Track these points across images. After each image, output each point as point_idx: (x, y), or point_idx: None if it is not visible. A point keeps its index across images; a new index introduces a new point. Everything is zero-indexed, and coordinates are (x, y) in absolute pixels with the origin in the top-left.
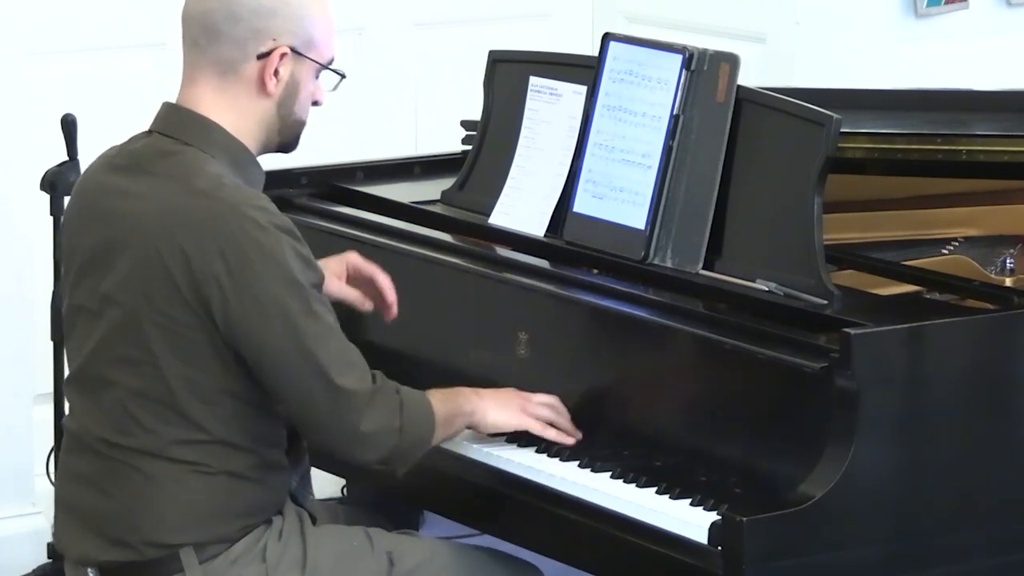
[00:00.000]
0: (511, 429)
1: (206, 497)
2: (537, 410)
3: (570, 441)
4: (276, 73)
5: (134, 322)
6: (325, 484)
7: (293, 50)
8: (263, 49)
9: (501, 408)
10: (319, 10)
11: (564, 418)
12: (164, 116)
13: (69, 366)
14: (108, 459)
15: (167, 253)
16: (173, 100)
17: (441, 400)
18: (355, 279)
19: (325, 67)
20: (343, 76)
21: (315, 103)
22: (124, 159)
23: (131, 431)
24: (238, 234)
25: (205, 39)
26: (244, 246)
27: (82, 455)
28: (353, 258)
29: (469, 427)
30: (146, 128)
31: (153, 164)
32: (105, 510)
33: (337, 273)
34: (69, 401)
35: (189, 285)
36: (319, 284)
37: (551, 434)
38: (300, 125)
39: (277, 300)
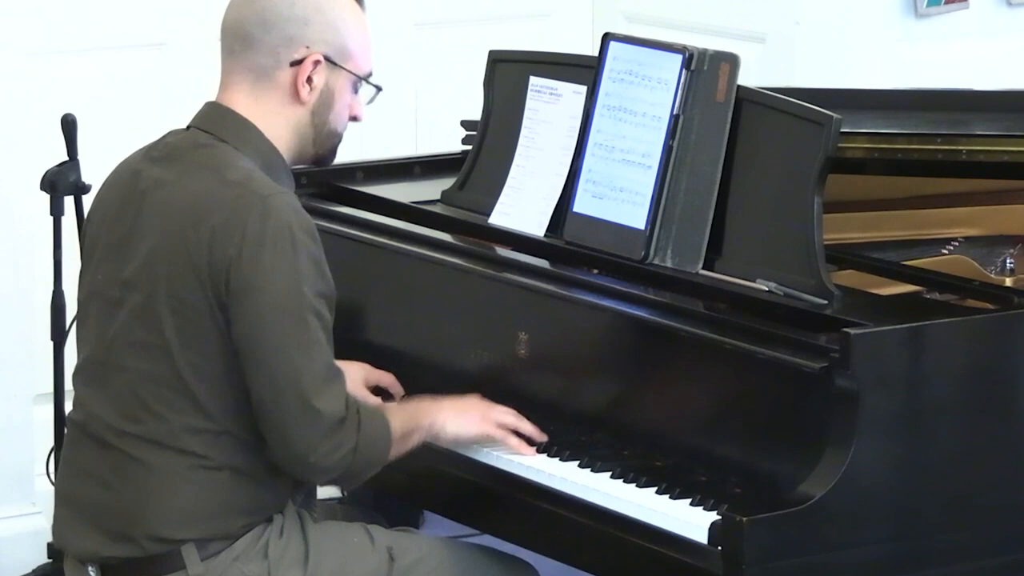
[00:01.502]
0: (471, 438)
1: (210, 493)
2: (499, 417)
3: (531, 451)
4: (310, 81)
5: (151, 306)
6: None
7: (327, 59)
8: (296, 56)
9: (460, 418)
10: (354, 22)
11: (526, 424)
12: (204, 113)
13: (78, 355)
14: (113, 449)
15: (193, 238)
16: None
17: (399, 416)
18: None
19: (362, 79)
20: (379, 89)
21: (353, 118)
22: (160, 151)
23: (140, 417)
24: (258, 225)
25: (240, 46)
26: (260, 238)
27: (86, 448)
28: (368, 373)
29: (430, 439)
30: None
31: (186, 154)
32: (108, 504)
33: (358, 381)
34: (76, 391)
35: (208, 269)
36: (326, 294)
37: (512, 442)
38: (336, 136)
39: (275, 297)
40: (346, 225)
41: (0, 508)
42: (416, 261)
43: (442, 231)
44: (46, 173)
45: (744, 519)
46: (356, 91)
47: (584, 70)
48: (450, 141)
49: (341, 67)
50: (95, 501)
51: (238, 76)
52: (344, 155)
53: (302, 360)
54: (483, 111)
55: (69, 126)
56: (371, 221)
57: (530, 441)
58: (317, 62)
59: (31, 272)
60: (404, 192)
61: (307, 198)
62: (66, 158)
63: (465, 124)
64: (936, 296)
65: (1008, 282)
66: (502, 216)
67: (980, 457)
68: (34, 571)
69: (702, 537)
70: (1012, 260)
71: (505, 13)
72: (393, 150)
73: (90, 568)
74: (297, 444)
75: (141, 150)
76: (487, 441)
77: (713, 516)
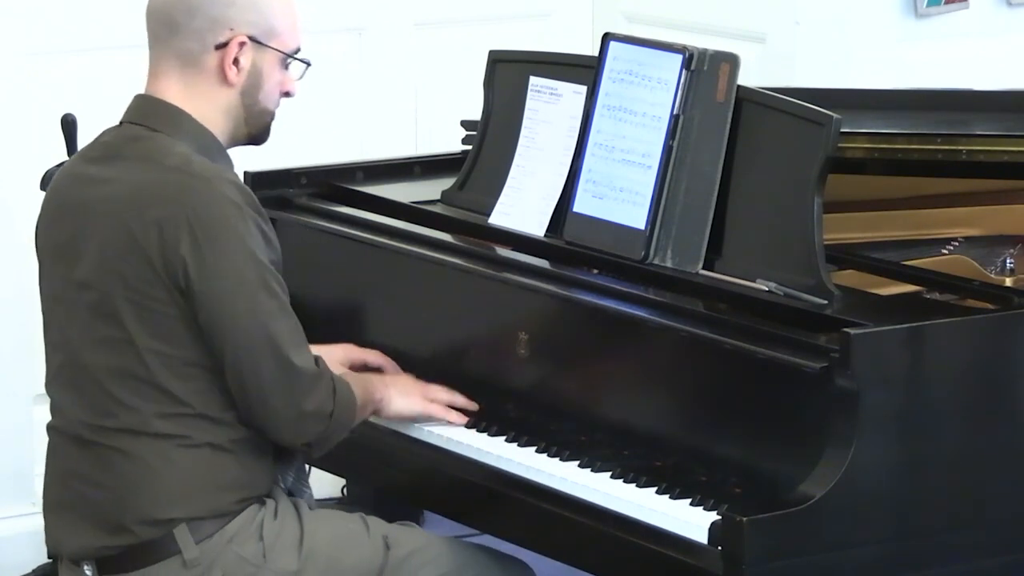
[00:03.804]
0: (413, 417)
1: (192, 469)
2: (437, 395)
3: (463, 420)
4: (236, 63)
5: (108, 302)
6: (324, 484)
7: (252, 39)
8: (221, 39)
9: (404, 396)
10: (277, 0)
11: (460, 397)
12: (135, 107)
13: (49, 365)
14: (92, 445)
15: (139, 228)
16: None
17: (359, 387)
18: (355, 367)
19: (289, 56)
20: (308, 64)
21: (286, 94)
22: (96, 150)
23: (112, 411)
24: (205, 206)
25: (165, 32)
26: (210, 218)
27: (67, 451)
28: (352, 352)
29: (373, 413)
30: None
31: (123, 149)
32: (96, 499)
33: (342, 362)
34: (52, 400)
35: (160, 257)
36: (278, 262)
37: (453, 416)
38: (268, 115)
39: (237, 273)
40: (346, 225)
41: (0, 508)
42: (416, 261)
43: (442, 231)
44: (46, 173)
45: (744, 519)
46: (286, 67)
47: (584, 70)
48: (450, 141)
49: (267, 46)
50: (83, 499)
51: (166, 63)
52: (344, 155)
53: (275, 324)
54: (483, 111)
55: (69, 126)
56: (371, 221)
57: (466, 413)
58: (242, 43)
59: (31, 272)
60: (404, 192)
61: (307, 198)
62: (66, 158)
63: (465, 124)
64: (936, 296)
65: (1008, 282)
66: (502, 216)
67: (980, 457)
68: (34, 571)
69: (702, 537)
70: (1012, 260)
71: (505, 13)
72: (393, 150)
73: (86, 567)
74: (281, 407)
75: (77, 154)
76: (424, 419)
77: (713, 516)
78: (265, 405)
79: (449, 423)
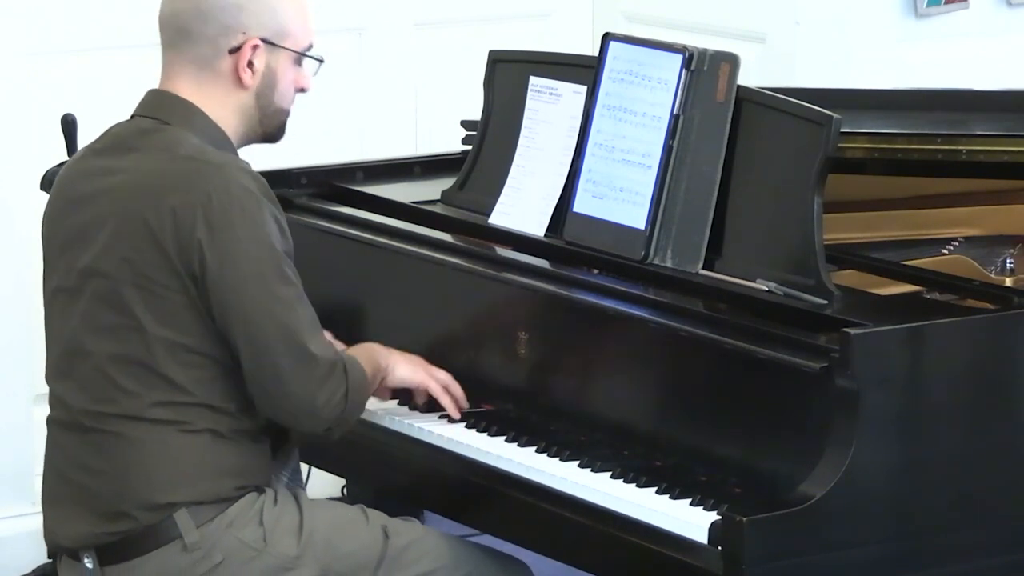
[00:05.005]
0: (415, 385)
1: (192, 454)
2: (438, 375)
3: (457, 414)
4: (251, 65)
5: (116, 288)
6: (325, 484)
7: (265, 41)
8: (234, 43)
9: (408, 364)
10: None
11: (456, 388)
12: (146, 101)
13: (49, 357)
14: (91, 432)
15: (154, 215)
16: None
17: (364, 359)
18: None
19: (303, 54)
20: (321, 61)
21: (301, 90)
22: (105, 142)
23: (112, 397)
24: (221, 194)
25: (180, 39)
26: (226, 206)
27: (66, 441)
28: None
29: (380, 382)
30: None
31: (135, 141)
32: (95, 487)
33: None
34: (52, 390)
35: (175, 244)
36: (291, 253)
37: (446, 400)
38: (283, 114)
39: (253, 261)
40: (346, 225)
41: (0, 508)
42: (416, 261)
43: (442, 231)
44: (46, 173)
45: (744, 519)
46: (300, 64)
47: (584, 70)
48: (450, 141)
49: (280, 47)
50: (82, 488)
51: (180, 67)
52: (344, 155)
53: (292, 313)
54: (483, 111)
55: (69, 126)
56: (371, 221)
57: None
58: (255, 46)
59: (31, 272)
60: (404, 192)
61: (307, 198)
62: (66, 158)
63: (465, 124)
64: (936, 296)
65: (1008, 282)
66: (502, 216)
67: (980, 457)
68: (34, 571)
69: (702, 537)
70: (1012, 260)
71: (505, 13)
72: (393, 150)
73: (86, 559)
74: (301, 394)
75: (85, 147)
76: (420, 391)
77: (713, 516)
78: (284, 395)
79: (442, 410)
